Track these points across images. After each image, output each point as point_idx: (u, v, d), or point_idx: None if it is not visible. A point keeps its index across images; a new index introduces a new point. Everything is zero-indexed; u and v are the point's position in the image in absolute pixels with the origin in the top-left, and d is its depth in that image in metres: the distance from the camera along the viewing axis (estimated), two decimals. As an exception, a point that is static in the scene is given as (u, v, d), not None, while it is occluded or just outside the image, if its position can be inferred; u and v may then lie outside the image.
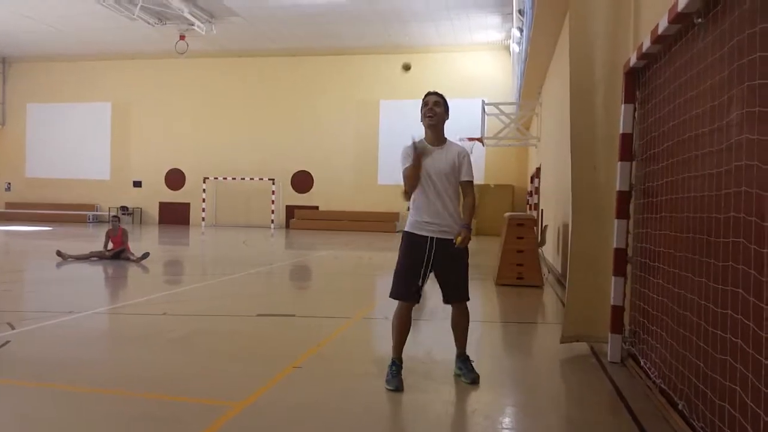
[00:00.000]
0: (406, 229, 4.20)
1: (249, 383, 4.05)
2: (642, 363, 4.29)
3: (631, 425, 3.47)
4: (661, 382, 3.78)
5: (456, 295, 4.19)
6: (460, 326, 4.26)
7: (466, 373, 4.18)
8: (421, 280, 4.08)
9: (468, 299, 4.23)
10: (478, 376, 4.17)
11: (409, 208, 4.28)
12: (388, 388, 3.97)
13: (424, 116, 4.15)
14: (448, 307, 4.32)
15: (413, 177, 4.06)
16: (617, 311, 4.70)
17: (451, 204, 4.10)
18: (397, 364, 4.10)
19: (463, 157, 4.15)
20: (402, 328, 4.14)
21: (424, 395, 3.95)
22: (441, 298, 4.23)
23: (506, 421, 3.65)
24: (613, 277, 4.69)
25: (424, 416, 3.57)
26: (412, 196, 4.17)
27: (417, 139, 4.11)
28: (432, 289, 4.20)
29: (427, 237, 4.06)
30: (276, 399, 3.78)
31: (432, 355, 4.91)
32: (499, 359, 5.15)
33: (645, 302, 4.32)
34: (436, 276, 4.14)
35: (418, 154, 4.02)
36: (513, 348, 5.68)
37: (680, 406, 3.34)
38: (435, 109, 4.13)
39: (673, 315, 3.59)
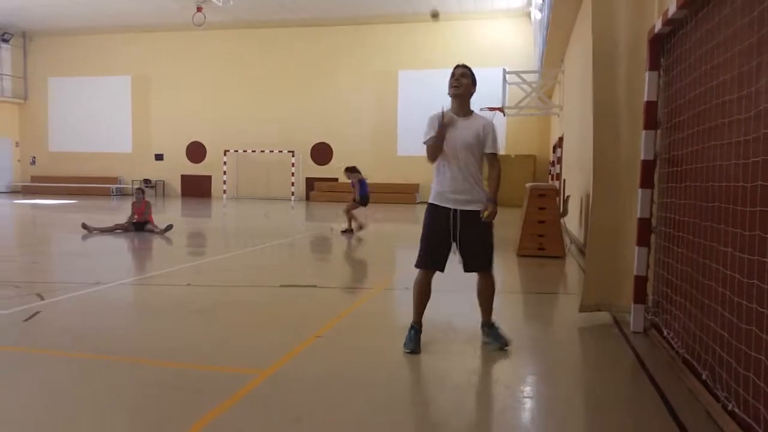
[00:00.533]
0: (429, 200, 4.26)
1: (272, 353, 4.12)
2: (665, 333, 4.28)
3: (653, 395, 3.48)
4: (684, 352, 3.77)
5: (480, 264, 4.25)
6: (486, 295, 4.34)
7: (495, 339, 4.27)
8: (444, 251, 4.17)
9: (487, 270, 4.27)
10: (508, 340, 4.25)
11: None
12: (405, 350, 4.13)
13: (450, 86, 4.21)
14: (469, 278, 4.34)
15: (436, 148, 4.12)
16: (640, 281, 4.68)
17: (474, 175, 4.15)
18: (416, 328, 4.26)
19: (489, 129, 4.19)
20: (422, 295, 4.28)
21: (445, 365, 3.99)
22: (461, 267, 4.27)
23: (527, 390, 3.67)
24: (636, 247, 4.65)
25: (446, 386, 3.61)
26: (436, 167, 4.22)
27: (446, 110, 4.15)
28: (452, 258, 4.23)
29: (450, 209, 4.13)
30: (299, 368, 3.84)
31: (453, 325, 4.94)
32: (520, 329, 5.16)
33: (669, 272, 4.29)
34: (460, 246, 4.18)
35: (444, 124, 4.06)
36: (534, 318, 5.69)
37: (704, 376, 3.33)
38: (461, 80, 4.19)
39: (698, 285, 3.56)
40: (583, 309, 5.09)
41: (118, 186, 29.98)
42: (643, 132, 4.56)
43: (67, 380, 3.61)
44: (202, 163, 29.60)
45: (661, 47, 4.50)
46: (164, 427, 2.96)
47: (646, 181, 4.58)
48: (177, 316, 5.25)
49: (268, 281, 7.12)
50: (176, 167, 29.86)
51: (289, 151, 27.72)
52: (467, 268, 4.26)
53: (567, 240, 10.58)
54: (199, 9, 23.99)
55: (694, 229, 3.67)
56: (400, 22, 26.41)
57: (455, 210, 4.12)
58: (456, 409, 3.27)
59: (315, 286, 6.81)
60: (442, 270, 4.23)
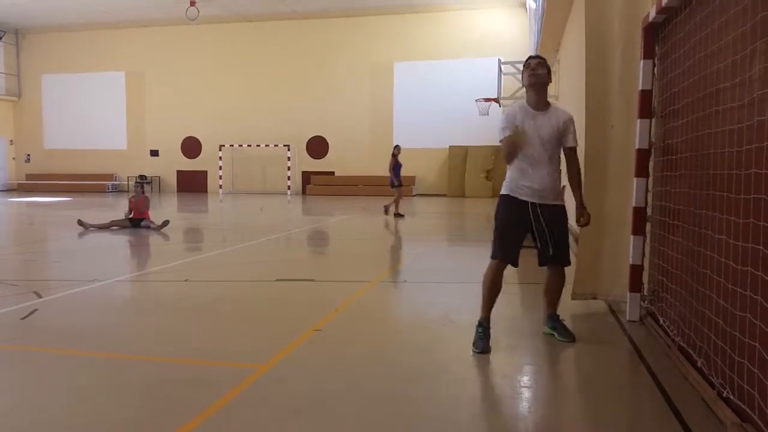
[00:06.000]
0: (504, 192, 4.18)
1: (271, 347, 4.13)
2: (661, 321, 4.30)
3: (650, 383, 3.50)
4: (680, 339, 3.79)
5: (562, 258, 4.20)
6: (557, 288, 4.32)
7: (563, 332, 4.27)
8: (519, 244, 4.13)
9: (570, 263, 4.24)
10: (574, 335, 4.26)
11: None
12: (475, 350, 4.00)
13: (527, 77, 4.08)
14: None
15: (511, 156, 4.03)
16: (636, 270, 4.69)
17: (553, 169, 4.07)
18: (484, 325, 4.09)
19: (569, 122, 4.07)
20: (493, 288, 4.13)
21: (442, 356, 4.00)
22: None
23: (525, 380, 3.69)
24: (632, 236, 4.66)
25: (443, 377, 3.62)
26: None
27: (520, 129, 3.98)
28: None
29: (528, 202, 4.06)
30: (298, 362, 3.86)
31: (449, 317, 4.95)
32: (517, 319, 5.18)
33: (664, 261, 4.31)
34: (537, 239, 4.13)
35: (516, 141, 3.94)
36: (530, 308, 5.69)
37: (699, 364, 3.35)
38: (538, 69, 4.06)
39: (693, 273, 3.58)
40: (575, 297, 5.12)
41: (114, 183, 29.90)
42: (638, 121, 4.56)
43: (66, 377, 3.62)
44: (198, 158, 29.53)
45: (656, 36, 4.50)
46: (165, 421, 2.97)
47: (641, 170, 4.59)
48: (175, 312, 5.25)
49: (266, 276, 7.12)
50: (172, 163, 29.78)
51: (284, 145, 27.67)
52: (545, 262, 4.20)
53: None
54: (192, 3, 23.85)
55: (689, 218, 3.69)
56: (395, 13, 26.31)
57: (533, 203, 4.05)
58: (454, 401, 3.29)
59: (312, 280, 6.82)
60: (515, 264, 4.14)
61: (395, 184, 14.31)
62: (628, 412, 3.29)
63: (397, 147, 14.66)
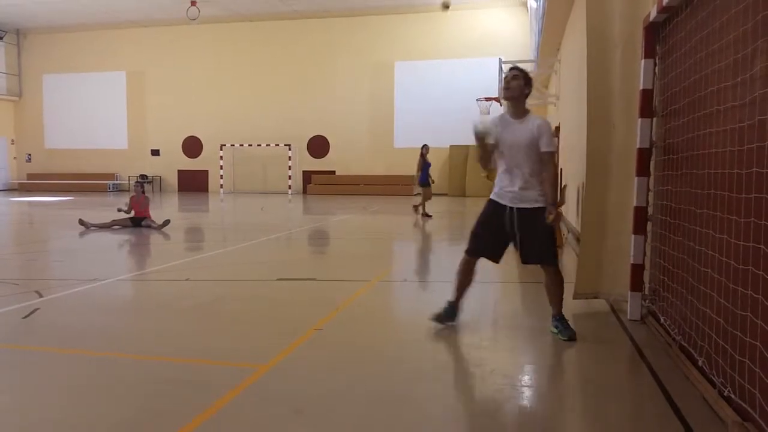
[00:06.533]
0: (490, 196, 4.43)
1: (272, 346, 4.13)
2: (662, 320, 4.29)
3: (651, 382, 3.49)
4: (681, 339, 3.78)
5: (538, 257, 4.34)
6: (551, 288, 4.41)
7: (563, 330, 4.31)
8: (495, 244, 4.37)
9: (547, 263, 4.35)
10: (574, 333, 4.29)
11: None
12: (431, 319, 4.51)
13: (502, 90, 4.37)
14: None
15: (481, 158, 4.35)
16: (637, 269, 4.69)
17: (530, 175, 4.23)
18: (450, 303, 4.53)
19: (543, 128, 4.23)
20: (462, 277, 4.51)
21: (444, 356, 4.01)
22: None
23: (525, 379, 3.69)
24: (633, 236, 4.66)
25: (444, 376, 3.62)
26: (498, 166, 4.40)
27: (479, 125, 4.26)
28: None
29: (506, 206, 4.27)
30: (299, 361, 3.85)
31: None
32: (518, 318, 5.18)
33: (665, 260, 4.30)
34: (519, 241, 4.30)
35: (479, 137, 4.23)
36: (532, 307, 5.69)
37: (700, 363, 3.34)
38: (512, 82, 4.29)
39: (694, 272, 3.57)
40: (576, 296, 5.11)
41: (115, 182, 29.93)
42: (639, 120, 4.55)
43: (66, 377, 3.62)
44: (199, 157, 29.55)
45: (657, 35, 4.50)
46: (166, 420, 2.97)
47: (642, 170, 4.59)
48: (176, 312, 5.25)
49: (267, 275, 7.12)
50: (172, 162, 29.81)
51: (285, 145, 27.68)
52: (525, 260, 4.39)
53: (564, 229, 10.60)
54: (193, 3, 23.86)
55: (690, 217, 3.68)
56: (396, 13, 26.32)
57: (511, 208, 4.25)
58: (454, 401, 3.29)
59: (313, 279, 6.82)
60: (492, 260, 4.44)
61: (426, 183, 14.34)
62: (629, 411, 3.29)
63: (425, 146, 14.54)
